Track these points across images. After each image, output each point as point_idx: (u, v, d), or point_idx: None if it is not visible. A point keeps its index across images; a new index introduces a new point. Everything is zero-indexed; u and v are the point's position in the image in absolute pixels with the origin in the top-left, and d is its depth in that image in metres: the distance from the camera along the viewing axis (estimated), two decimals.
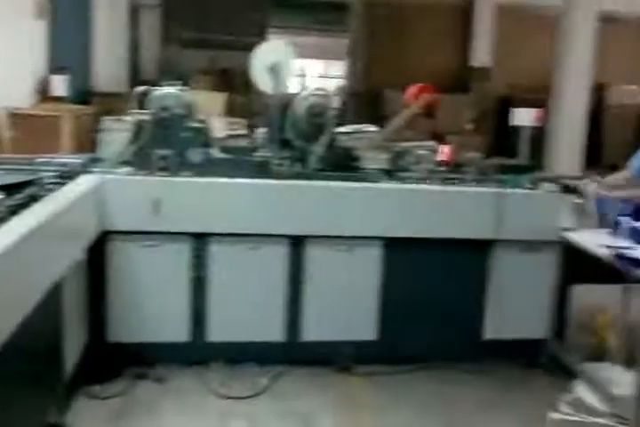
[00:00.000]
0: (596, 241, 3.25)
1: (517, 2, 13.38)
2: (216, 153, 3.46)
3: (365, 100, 12.99)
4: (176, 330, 3.31)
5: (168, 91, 3.40)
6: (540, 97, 11.66)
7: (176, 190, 3.17)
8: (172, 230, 3.19)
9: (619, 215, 3.52)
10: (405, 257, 3.40)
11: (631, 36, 14.19)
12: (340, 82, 14.97)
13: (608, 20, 13.44)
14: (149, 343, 3.28)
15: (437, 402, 3.23)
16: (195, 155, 3.28)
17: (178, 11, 12.19)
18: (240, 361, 3.38)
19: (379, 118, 8.99)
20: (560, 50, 10.27)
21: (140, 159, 3.26)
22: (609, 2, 12.30)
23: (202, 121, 3.48)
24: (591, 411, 3.14)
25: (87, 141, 5.72)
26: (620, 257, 2.97)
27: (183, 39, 12.12)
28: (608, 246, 3.11)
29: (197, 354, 3.35)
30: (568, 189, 3.60)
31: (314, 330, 3.40)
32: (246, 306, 3.32)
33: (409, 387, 3.34)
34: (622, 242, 3.22)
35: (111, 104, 6.59)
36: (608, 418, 3.07)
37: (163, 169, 3.22)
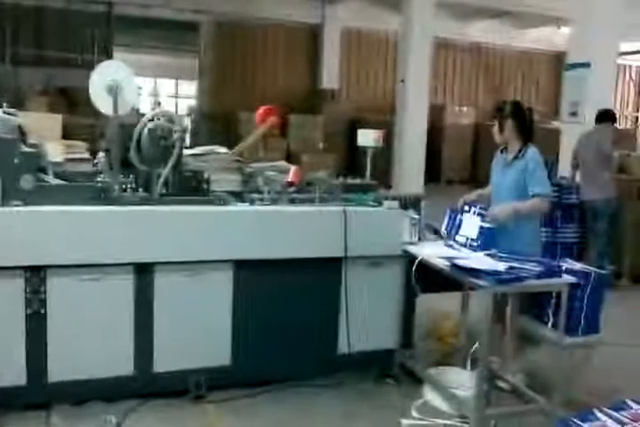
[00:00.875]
0: (434, 253, 3.47)
1: (363, 26, 14.13)
2: (51, 179, 3.26)
3: (219, 121, 12.96)
4: (11, 373, 3.02)
5: None
6: (385, 118, 12.37)
7: (5, 221, 2.92)
8: (2, 265, 2.93)
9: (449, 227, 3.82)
10: (257, 279, 3.39)
11: (464, 60, 15.52)
12: (192, 102, 14.82)
13: (443, 46, 14.65)
14: None
15: (294, 420, 3.25)
16: (26, 182, 3.04)
17: (10, 25, 11.40)
18: (86, 400, 3.18)
19: (234, 140, 9.00)
20: (400, 73, 10.98)
21: None
22: (444, 29, 13.42)
23: (34, 145, 3.27)
24: (438, 414, 3.32)
25: None
26: (455, 267, 3.19)
27: (16, 56, 11.34)
28: (444, 257, 3.33)
29: (37, 397, 3.09)
30: (407, 205, 3.82)
31: (166, 360, 3.27)
32: (90, 341, 3.12)
33: (265, 408, 3.33)
34: (458, 252, 3.47)
35: None
36: (454, 419, 3.27)
37: None
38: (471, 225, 3.61)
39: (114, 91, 3.32)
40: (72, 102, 10.53)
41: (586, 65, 7.45)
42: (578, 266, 3.45)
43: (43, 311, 3.04)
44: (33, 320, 3.04)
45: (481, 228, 3.53)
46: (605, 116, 6.22)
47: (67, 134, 6.32)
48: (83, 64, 11.50)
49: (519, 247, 3.46)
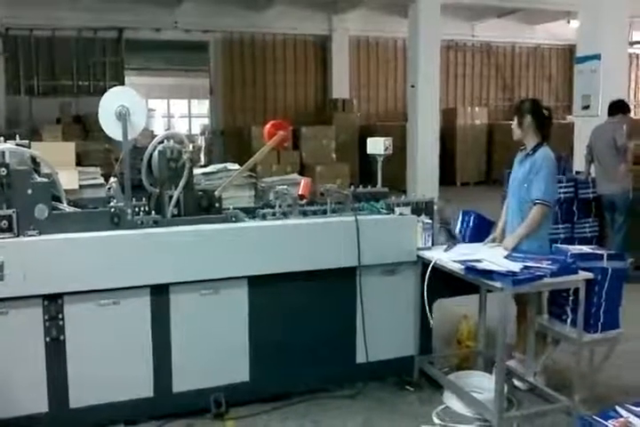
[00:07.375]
0: (449, 256, 3.46)
1: (371, 35, 14.18)
2: (65, 207, 3.32)
3: (233, 138, 13.08)
4: (33, 400, 3.05)
5: (6, 146, 3.23)
6: (398, 124, 12.36)
7: (21, 252, 2.98)
8: (20, 295, 2.98)
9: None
10: (272, 293, 3.41)
11: (474, 60, 15.45)
12: (206, 121, 14.98)
13: (452, 48, 14.62)
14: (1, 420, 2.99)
15: None
16: (40, 212, 3.10)
17: (24, 57, 11.69)
18: (108, 424, 3.18)
19: (248, 155, 9.03)
20: (410, 78, 10.98)
21: None
22: (452, 30, 13.40)
23: (47, 175, 3.34)
24: (460, 419, 3.28)
25: None
26: (471, 269, 3.17)
27: (32, 87, 11.61)
28: (458, 260, 3.32)
29: (60, 423, 3.11)
30: (419, 210, 3.82)
31: (184, 380, 3.29)
32: (110, 364, 3.15)
33: (286, 422, 3.32)
34: (471, 255, 3.46)
35: None
36: (476, 423, 3.23)
37: (5, 230, 3.03)
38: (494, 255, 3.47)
39: (122, 116, 3.36)
40: (86, 129, 10.77)
41: (596, 57, 7.35)
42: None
43: (62, 338, 3.08)
44: (52, 347, 3.07)
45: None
46: (618, 107, 6.12)
47: (82, 160, 6.45)
48: (95, 91, 11.74)
49: (525, 247, 3.47)
